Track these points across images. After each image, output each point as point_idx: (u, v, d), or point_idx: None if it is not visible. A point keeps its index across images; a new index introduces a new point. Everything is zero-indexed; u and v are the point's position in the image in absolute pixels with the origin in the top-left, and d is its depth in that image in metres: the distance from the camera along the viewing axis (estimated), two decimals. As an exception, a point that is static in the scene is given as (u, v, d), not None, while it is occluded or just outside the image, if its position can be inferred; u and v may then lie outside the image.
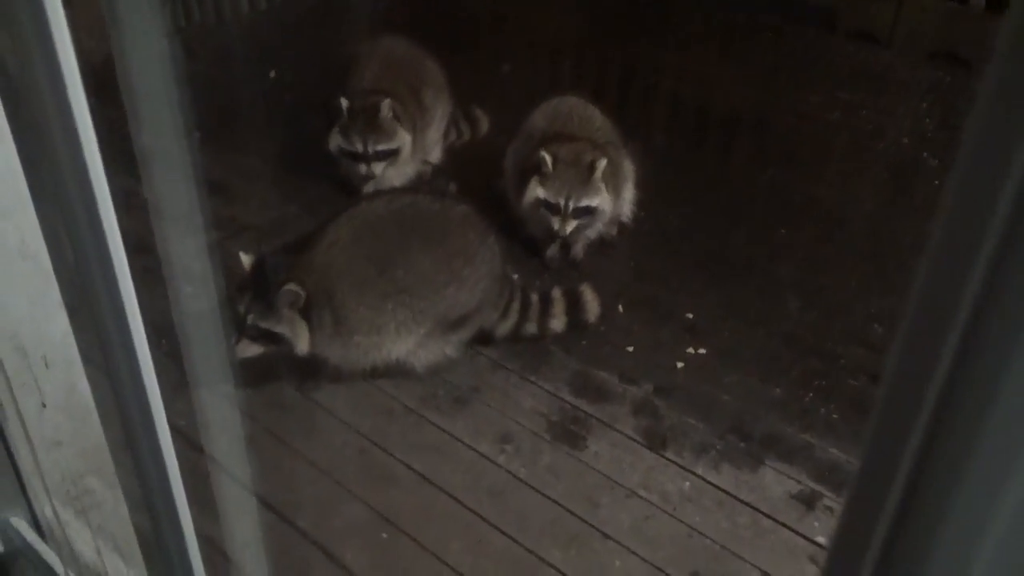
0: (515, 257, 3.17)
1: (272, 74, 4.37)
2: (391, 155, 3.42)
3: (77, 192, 0.60)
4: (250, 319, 2.48)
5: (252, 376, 2.69)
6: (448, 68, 3.80)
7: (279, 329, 2.50)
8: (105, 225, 0.60)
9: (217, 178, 3.64)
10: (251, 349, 2.52)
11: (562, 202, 3.02)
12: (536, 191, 3.05)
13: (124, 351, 0.66)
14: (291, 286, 2.45)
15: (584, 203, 3.03)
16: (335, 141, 3.40)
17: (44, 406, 1.04)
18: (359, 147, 3.35)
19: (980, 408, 0.30)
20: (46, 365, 1.04)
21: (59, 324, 1.07)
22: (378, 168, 3.41)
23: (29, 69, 0.61)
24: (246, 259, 2.54)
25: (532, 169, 3.09)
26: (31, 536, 1.19)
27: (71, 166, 0.60)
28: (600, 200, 3.05)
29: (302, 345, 2.54)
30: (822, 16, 4.57)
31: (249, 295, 2.48)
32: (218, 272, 3.14)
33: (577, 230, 3.10)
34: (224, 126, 3.84)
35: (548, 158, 3.02)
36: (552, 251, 3.25)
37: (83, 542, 1.16)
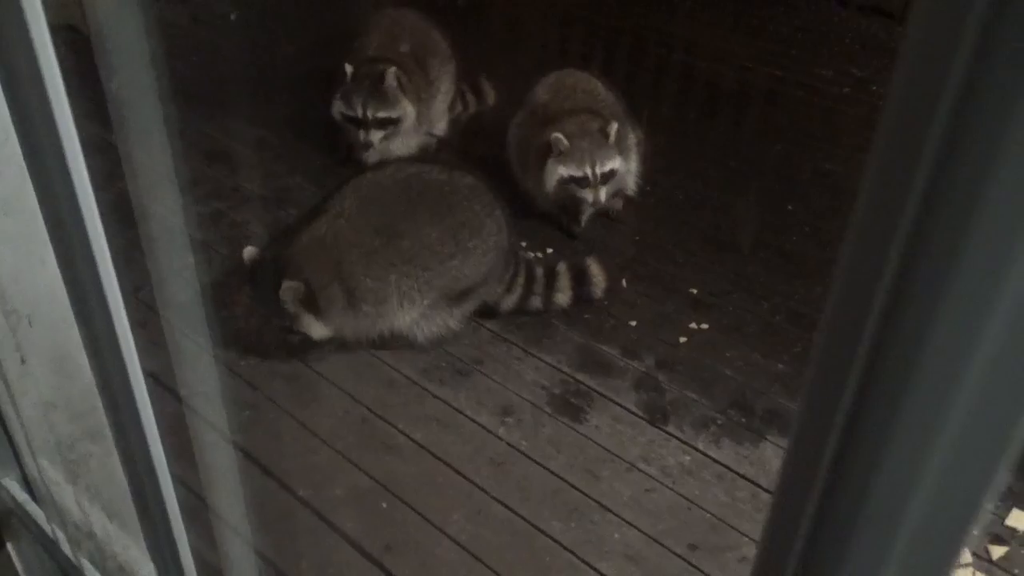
0: (520, 230, 3.16)
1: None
2: (391, 124, 3.38)
3: (50, 150, 0.59)
4: (278, 322, 2.57)
5: (255, 345, 2.70)
6: (454, 39, 3.77)
7: (294, 326, 2.57)
8: (77, 187, 0.60)
9: (221, 147, 3.63)
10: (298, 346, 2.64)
11: (589, 172, 3.00)
12: (558, 171, 3.03)
13: (100, 309, 0.66)
14: (287, 284, 2.48)
15: (608, 167, 3.02)
16: (337, 107, 3.37)
17: (23, 362, 1.05)
18: (359, 112, 3.32)
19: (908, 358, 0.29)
20: (30, 324, 1.05)
21: (44, 282, 1.08)
22: (376, 136, 3.37)
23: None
24: (249, 253, 2.56)
25: (543, 151, 3.07)
26: (22, 496, 1.20)
27: (45, 132, 0.60)
28: (618, 162, 3.05)
29: (316, 334, 2.61)
30: (834, -11, 4.52)
31: (262, 300, 2.55)
32: (222, 242, 3.15)
33: (606, 196, 3.09)
34: (228, 94, 3.83)
35: (562, 138, 3.00)
36: (569, 223, 3.23)
37: (73, 502, 1.17)
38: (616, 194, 3.28)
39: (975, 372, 0.28)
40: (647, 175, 3.36)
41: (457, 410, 2.57)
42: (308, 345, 2.67)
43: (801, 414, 0.32)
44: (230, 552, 2.01)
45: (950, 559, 0.32)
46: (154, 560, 0.86)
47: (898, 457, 0.29)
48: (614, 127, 3.01)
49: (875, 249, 0.29)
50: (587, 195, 3.03)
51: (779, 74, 4.10)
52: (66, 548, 1.10)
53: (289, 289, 2.49)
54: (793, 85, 4.04)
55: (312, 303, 2.54)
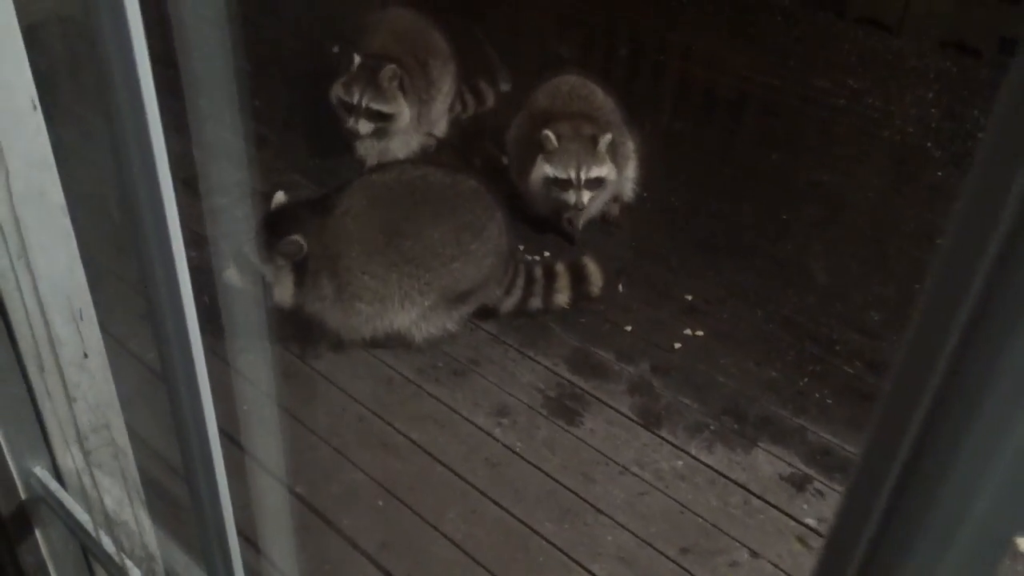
0: (517, 233, 3.18)
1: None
2: (383, 119, 3.38)
3: (137, 155, 0.61)
4: (244, 249, 2.54)
5: (253, 342, 2.72)
6: (455, 41, 3.79)
7: (264, 270, 2.55)
8: (160, 178, 0.62)
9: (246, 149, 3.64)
10: (234, 279, 2.55)
11: (573, 175, 3.03)
12: (543, 169, 3.06)
13: (175, 321, 0.68)
14: (295, 237, 2.50)
15: (595, 174, 3.05)
16: (336, 91, 3.38)
17: (86, 356, 1.08)
18: (355, 98, 3.33)
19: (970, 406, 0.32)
20: (81, 318, 1.07)
21: (85, 281, 1.10)
22: (365, 127, 3.36)
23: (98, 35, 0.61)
24: (278, 197, 2.62)
25: (535, 148, 3.10)
26: (53, 485, 1.23)
27: (134, 128, 0.61)
28: (607, 170, 3.08)
29: (281, 295, 2.58)
30: (832, 1, 4.57)
31: (256, 230, 2.56)
32: (221, 237, 3.16)
33: (591, 202, 3.11)
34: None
35: (552, 135, 3.03)
36: (566, 225, 3.25)
37: (103, 491, 1.20)
38: (613, 199, 3.31)
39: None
40: (644, 181, 3.39)
41: (453, 410, 2.60)
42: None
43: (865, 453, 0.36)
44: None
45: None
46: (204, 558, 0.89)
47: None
48: (607, 137, 3.04)
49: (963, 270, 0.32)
50: (569, 197, 3.07)
51: (776, 83, 4.14)
52: (95, 536, 1.13)
53: (293, 242, 2.50)
54: (790, 95, 4.08)
55: (300, 271, 2.56)
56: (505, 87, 3.88)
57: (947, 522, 0.33)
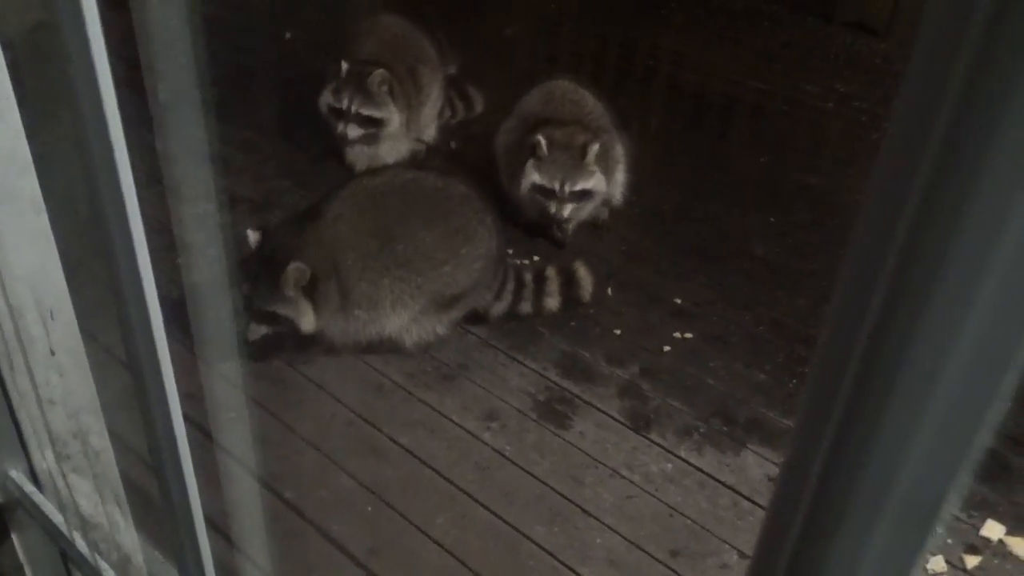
0: (506, 238, 3.18)
1: (287, 35, 4.39)
2: (373, 124, 3.39)
3: (99, 155, 0.61)
4: (255, 303, 2.55)
5: (242, 348, 2.71)
6: (444, 46, 3.80)
7: (283, 311, 2.57)
8: (122, 181, 0.62)
9: (212, 149, 3.64)
10: (260, 330, 2.61)
11: (557, 186, 3.05)
12: (532, 176, 3.08)
13: (138, 311, 0.68)
14: (295, 264, 2.50)
15: (579, 187, 3.06)
16: (325, 99, 3.39)
17: (53, 353, 1.07)
18: (344, 104, 3.33)
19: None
20: (52, 317, 1.07)
21: (62, 280, 1.10)
22: (354, 132, 3.37)
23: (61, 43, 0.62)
24: (253, 236, 2.59)
25: (527, 152, 3.11)
26: (29, 488, 1.23)
27: (94, 126, 0.61)
28: (595, 182, 3.09)
29: (306, 325, 2.61)
30: (820, 5, 4.59)
31: (253, 276, 2.55)
32: (215, 245, 3.15)
33: (574, 212, 3.12)
34: (220, 98, 3.84)
35: (543, 141, 3.04)
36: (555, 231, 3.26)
37: (79, 494, 1.20)
38: (603, 203, 3.32)
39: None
40: (633, 185, 3.40)
41: (443, 415, 2.59)
42: (287, 343, 2.67)
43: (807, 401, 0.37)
44: (214, 553, 2.02)
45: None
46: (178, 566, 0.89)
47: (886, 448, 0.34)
48: (595, 147, 3.05)
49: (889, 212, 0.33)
50: (551, 206, 3.09)
51: (765, 88, 4.16)
52: (71, 539, 1.12)
53: (296, 270, 2.50)
54: (778, 99, 4.10)
55: (311, 292, 2.56)
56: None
57: (876, 490, 0.34)
